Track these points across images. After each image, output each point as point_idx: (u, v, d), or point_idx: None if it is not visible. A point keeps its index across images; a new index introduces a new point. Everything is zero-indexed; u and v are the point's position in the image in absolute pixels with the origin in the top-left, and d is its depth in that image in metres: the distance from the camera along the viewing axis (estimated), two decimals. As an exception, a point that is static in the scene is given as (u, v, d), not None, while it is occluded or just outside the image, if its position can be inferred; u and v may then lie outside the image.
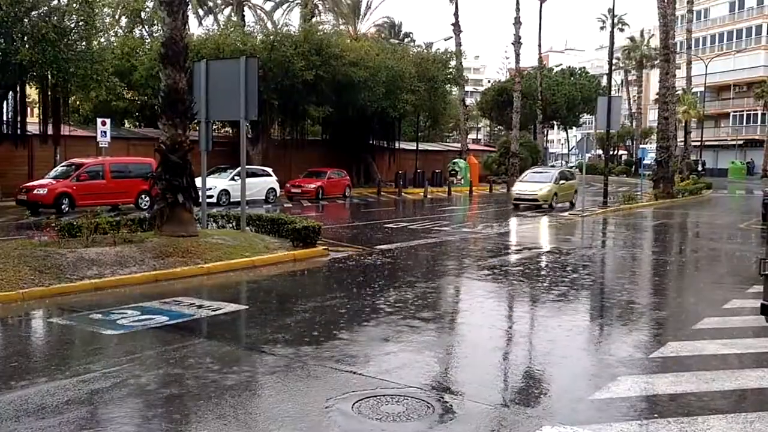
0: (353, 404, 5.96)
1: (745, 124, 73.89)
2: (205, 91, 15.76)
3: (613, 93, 43.30)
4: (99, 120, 28.61)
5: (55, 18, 27.19)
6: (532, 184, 29.28)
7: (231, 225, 16.47)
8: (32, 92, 34.82)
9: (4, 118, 29.70)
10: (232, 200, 27.08)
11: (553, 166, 61.59)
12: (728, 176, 64.71)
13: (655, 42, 55.13)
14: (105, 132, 27.90)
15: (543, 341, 8.54)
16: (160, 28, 18.39)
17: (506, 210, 29.24)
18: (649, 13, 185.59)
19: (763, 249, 10.05)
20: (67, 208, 22.74)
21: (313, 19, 47.01)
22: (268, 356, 7.46)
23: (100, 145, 28.00)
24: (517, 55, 48.91)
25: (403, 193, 37.39)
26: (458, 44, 49.68)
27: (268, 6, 53.25)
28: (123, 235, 13.14)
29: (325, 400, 6.06)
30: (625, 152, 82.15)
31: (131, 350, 7.67)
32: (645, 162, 47.46)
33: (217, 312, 9.56)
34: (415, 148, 47.06)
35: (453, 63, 46.31)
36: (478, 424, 5.70)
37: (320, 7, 54.74)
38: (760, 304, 8.33)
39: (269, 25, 47.17)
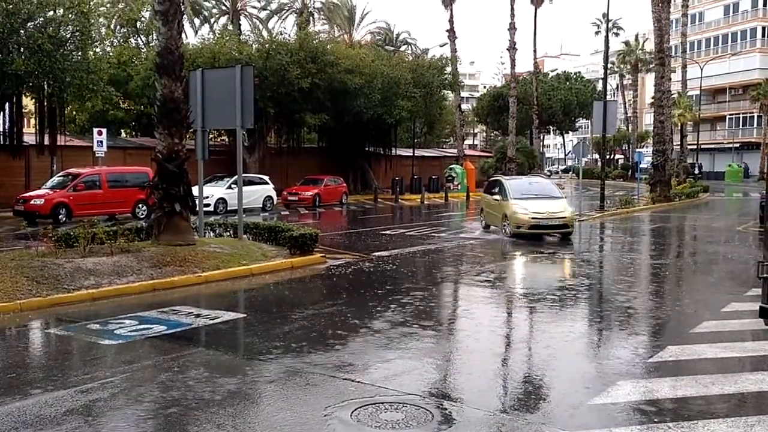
0: (352, 412, 5.95)
1: (741, 126, 74.05)
2: (201, 99, 15.76)
3: (608, 97, 43.41)
4: (95, 129, 28.65)
5: (51, 28, 27.23)
6: (545, 201, 19.35)
7: (228, 233, 16.45)
8: (28, 102, 34.84)
9: (1, 129, 29.71)
10: (229, 208, 27.04)
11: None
12: (725, 179, 64.82)
13: (650, 46, 55.32)
14: (101, 141, 27.91)
15: (542, 346, 8.53)
16: (155, 37, 18.42)
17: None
18: (644, 18, 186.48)
19: (761, 252, 10.06)
20: (64, 218, 22.70)
21: (309, 27, 47.13)
22: (266, 365, 7.45)
23: (97, 155, 28.01)
24: (513, 60, 49.06)
25: (400, 200, 37.36)
26: (453, 50, 49.88)
27: (264, 14, 53.45)
28: (120, 245, 13.12)
29: (324, 408, 6.04)
30: (622, 156, 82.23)
31: (129, 360, 7.64)
32: (641, 166, 47.64)
33: (215, 321, 9.54)
34: (411, 154, 47.07)
35: (448, 69, 46.38)
36: (478, 430, 5.69)
37: (315, 15, 54.97)
38: (759, 307, 8.33)
39: (265, 33, 47.30)
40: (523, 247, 17.82)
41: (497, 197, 20.13)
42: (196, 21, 50.30)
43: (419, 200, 36.82)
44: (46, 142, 29.46)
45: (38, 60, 26.27)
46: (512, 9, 47.85)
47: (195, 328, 9.19)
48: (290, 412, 6.02)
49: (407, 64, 44.21)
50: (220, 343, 8.62)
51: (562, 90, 68.80)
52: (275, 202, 31.22)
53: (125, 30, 42.61)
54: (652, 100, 42.74)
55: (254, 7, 53.21)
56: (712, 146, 74.14)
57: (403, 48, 62.61)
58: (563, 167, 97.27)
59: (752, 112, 71.51)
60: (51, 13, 27.91)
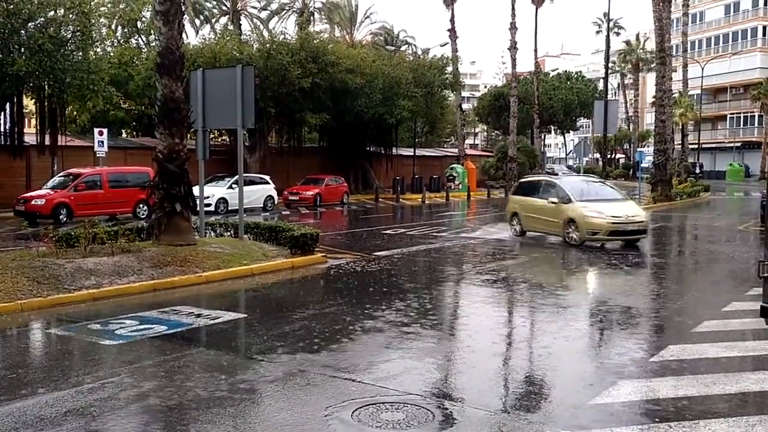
0: (353, 412, 5.94)
1: (742, 126, 74.06)
2: (202, 99, 15.76)
3: (609, 96, 43.38)
4: (96, 130, 28.66)
5: (52, 29, 27.26)
6: (616, 203, 18.14)
7: (229, 233, 16.44)
8: (29, 103, 34.85)
9: (1, 129, 29.76)
10: (230, 208, 27.06)
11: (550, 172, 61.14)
12: (726, 178, 64.80)
13: (651, 45, 55.34)
14: (102, 141, 27.93)
15: (543, 346, 8.52)
16: (156, 37, 18.42)
17: (504, 214, 29.13)
18: (645, 17, 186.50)
19: (761, 251, 10.05)
20: (65, 219, 22.71)
21: (310, 27, 47.13)
22: (267, 365, 7.44)
23: (98, 155, 28.04)
24: (514, 60, 49.03)
25: (401, 199, 37.38)
26: (454, 50, 49.84)
27: (264, 14, 53.45)
28: (121, 245, 13.12)
29: (325, 408, 6.03)
30: (623, 155, 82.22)
31: (130, 360, 7.64)
32: (643, 165, 47.43)
33: (216, 321, 9.53)
34: (412, 153, 47.14)
35: (449, 69, 46.41)
36: (479, 430, 5.68)
37: (316, 15, 54.95)
38: (760, 307, 8.30)
39: (265, 33, 47.29)
40: (521, 249, 17.78)
41: (553, 200, 18.15)
42: (197, 21, 50.32)
43: (420, 200, 36.82)
44: (47, 142, 29.51)
45: (39, 60, 26.29)
46: (513, 9, 47.81)
47: (195, 328, 9.19)
48: (291, 412, 6.01)
49: (408, 63, 44.23)
50: (220, 343, 8.61)
51: (563, 89, 68.72)
52: (276, 202, 31.22)
53: (126, 30, 42.64)
54: (653, 100, 42.70)
55: (254, 8, 53.24)
56: (713, 145, 74.12)
57: (403, 48, 62.62)
58: (561, 166, 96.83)
59: (753, 112, 71.49)
60: (52, 13, 27.94)
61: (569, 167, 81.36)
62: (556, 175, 43.75)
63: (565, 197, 18.04)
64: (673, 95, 43.96)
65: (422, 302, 10.92)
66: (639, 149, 71.94)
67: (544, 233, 19.05)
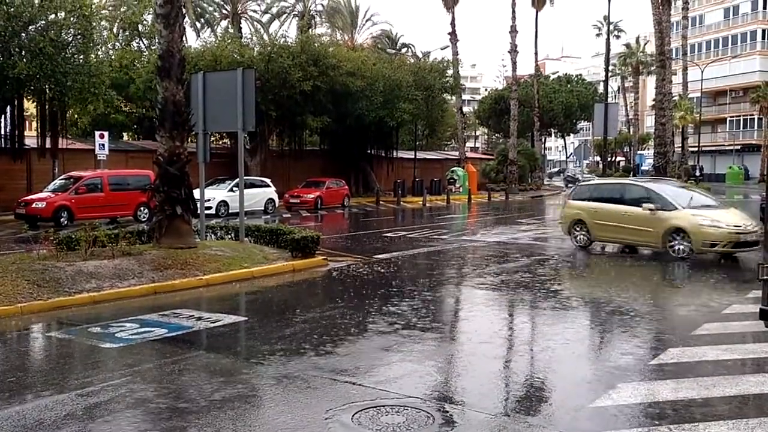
0: (353, 415, 5.95)
1: (741, 129, 74.02)
2: (203, 102, 15.77)
3: (609, 99, 43.39)
4: (97, 133, 28.71)
5: (53, 32, 27.27)
6: (725, 211, 16.70)
7: (230, 236, 16.45)
8: (30, 106, 34.89)
9: (2, 132, 29.78)
10: (230, 211, 27.06)
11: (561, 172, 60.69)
12: (726, 181, 64.78)
13: (651, 48, 55.36)
14: (103, 145, 27.98)
15: (543, 349, 8.52)
16: (157, 40, 18.45)
17: (505, 217, 29.22)
18: (645, 20, 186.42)
19: (761, 253, 10.06)
20: (65, 221, 22.74)
21: (310, 31, 47.17)
22: (267, 368, 7.45)
23: (99, 158, 28.08)
24: (514, 63, 49.05)
25: (401, 202, 37.36)
26: (455, 53, 49.86)
27: (265, 18, 53.56)
28: (121, 248, 13.13)
29: (325, 412, 6.04)
30: (623, 158, 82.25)
31: (130, 363, 7.65)
32: (643, 168, 47.57)
33: (216, 324, 9.54)
34: (413, 156, 47.13)
35: (450, 72, 46.43)
36: (479, 433, 5.68)
37: (317, 19, 55.05)
38: (759, 309, 8.31)
39: (266, 36, 47.35)
40: (521, 251, 17.77)
41: (649, 206, 16.17)
42: (198, 24, 50.40)
43: (421, 203, 36.82)
44: (48, 145, 29.51)
45: (40, 63, 26.31)
46: (513, 12, 47.83)
47: (196, 331, 9.19)
48: (291, 415, 6.02)
49: (409, 66, 44.25)
50: (221, 346, 8.61)
51: (563, 92, 68.67)
52: (277, 205, 31.20)
53: (127, 33, 42.67)
54: (653, 103, 42.72)
55: (255, 11, 53.36)
56: (713, 148, 74.08)
57: (404, 51, 62.67)
58: (556, 169, 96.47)
59: (752, 115, 71.44)
60: (53, 16, 27.94)
61: (560, 173, 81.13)
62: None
63: (667, 204, 16.19)
64: (673, 98, 43.96)
65: (423, 305, 10.91)
66: (639, 152, 72.08)
67: (627, 244, 17.43)
